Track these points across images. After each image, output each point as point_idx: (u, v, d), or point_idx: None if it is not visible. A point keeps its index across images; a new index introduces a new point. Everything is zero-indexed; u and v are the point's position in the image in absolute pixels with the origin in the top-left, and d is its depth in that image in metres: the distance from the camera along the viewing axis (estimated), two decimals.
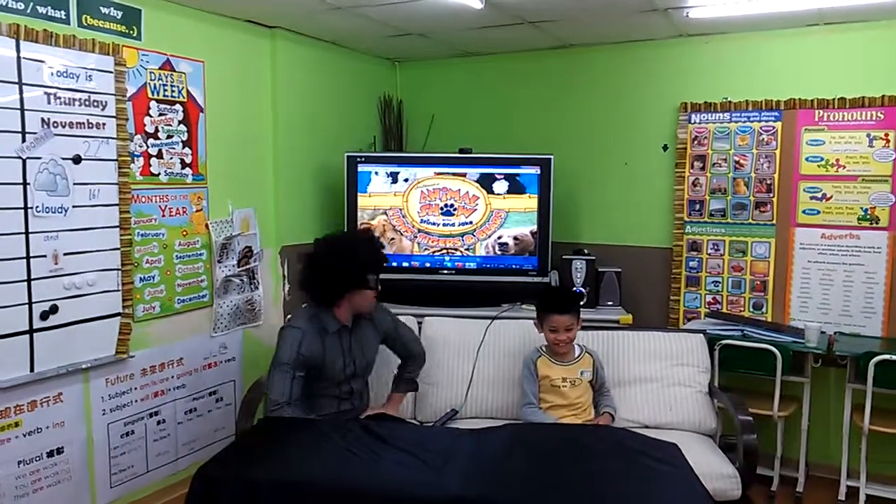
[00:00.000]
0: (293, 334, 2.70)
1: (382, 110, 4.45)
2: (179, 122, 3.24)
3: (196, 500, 1.91)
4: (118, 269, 2.98)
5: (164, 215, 3.20)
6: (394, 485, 1.88)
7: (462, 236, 3.88)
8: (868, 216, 3.48)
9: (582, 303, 3.36)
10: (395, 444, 2.03)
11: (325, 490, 1.86)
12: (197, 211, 3.36)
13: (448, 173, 3.87)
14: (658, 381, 3.10)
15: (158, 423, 3.27)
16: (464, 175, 3.86)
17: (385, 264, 2.86)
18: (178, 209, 3.27)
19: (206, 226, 3.40)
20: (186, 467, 3.41)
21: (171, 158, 3.22)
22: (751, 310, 3.75)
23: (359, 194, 3.87)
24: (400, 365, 3.07)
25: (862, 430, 3.19)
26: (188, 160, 3.30)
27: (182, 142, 3.26)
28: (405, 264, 3.87)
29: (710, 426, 3.03)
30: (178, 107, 3.23)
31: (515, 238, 3.85)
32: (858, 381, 3.21)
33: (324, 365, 2.73)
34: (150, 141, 3.11)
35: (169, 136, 3.20)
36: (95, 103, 2.86)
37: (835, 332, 3.48)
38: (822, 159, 3.56)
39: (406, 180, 3.88)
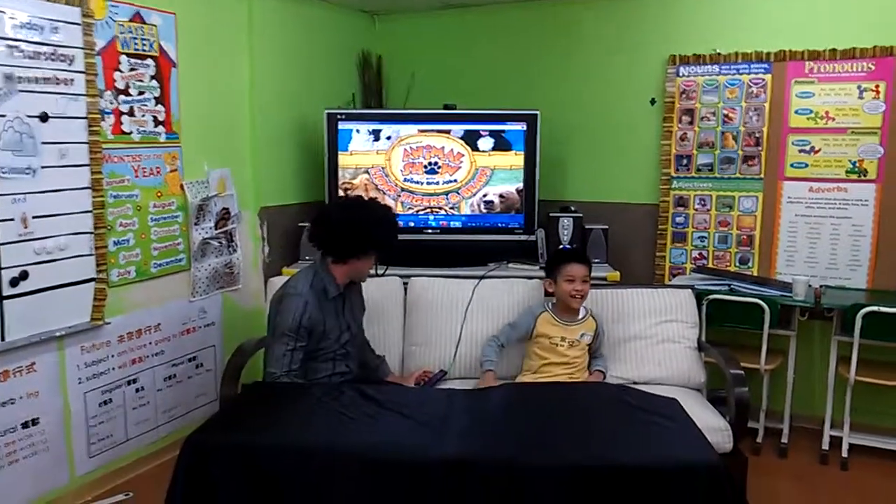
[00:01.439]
0: (296, 303, 2.59)
1: (361, 66, 4.31)
2: (151, 78, 3.09)
3: (186, 469, 1.83)
4: (91, 233, 2.85)
5: (137, 176, 3.06)
6: (391, 448, 1.82)
7: (447, 195, 3.79)
8: (856, 169, 3.45)
9: None
10: (391, 406, 1.97)
11: (322, 454, 1.80)
12: (171, 171, 3.23)
13: (432, 130, 3.76)
14: (647, 338, 3.07)
15: (137, 390, 3.18)
16: (448, 132, 3.76)
17: (395, 246, 2.78)
18: (151, 169, 3.13)
19: (182, 187, 3.27)
20: (167, 434, 3.34)
21: (144, 116, 3.07)
22: (737, 265, 3.73)
23: (340, 153, 3.75)
24: (371, 353, 3.01)
25: (847, 381, 3.21)
26: (161, 118, 3.15)
27: (154, 98, 3.11)
28: None
29: (699, 380, 3.02)
30: (149, 61, 3.07)
31: (501, 196, 3.78)
32: (845, 333, 3.23)
33: (325, 332, 2.66)
34: (121, 98, 2.96)
35: (141, 93, 3.05)
36: (62, 57, 2.70)
37: (821, 286, 3.47)
38: (811, 112, 3.52)
39: (388, 138, 3.77)
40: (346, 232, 2.64)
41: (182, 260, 3.32)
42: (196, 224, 3.34)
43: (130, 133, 3.02)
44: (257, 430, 1.94)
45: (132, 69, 2.99)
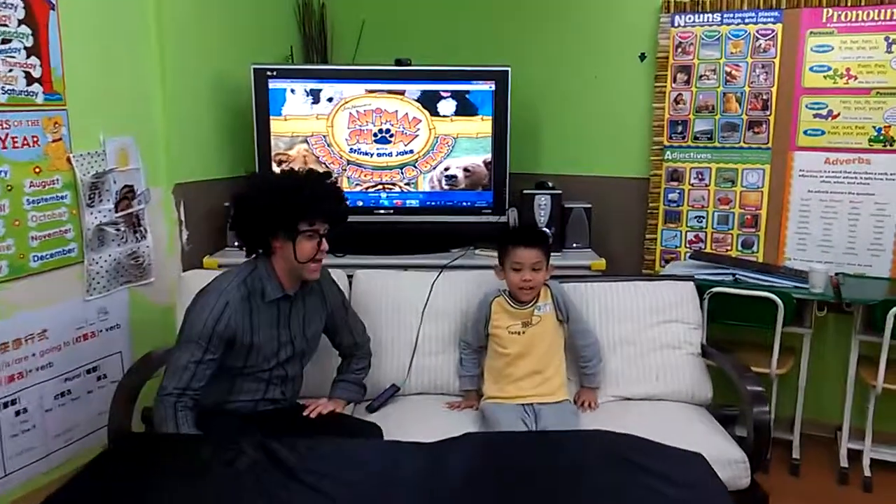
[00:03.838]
0: (210, 302, 2.05)
1: (301, 16, 3.66)
2: (20, 22, 2.42)
3: None
4: None
5: (4, 147, 2.42)
6: None
7: (401, 168, 3.19)
8: (882, 137, 2.94)
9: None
10: (306, 478, 1.40)
11: None
12: (54, 141, 2.58)
13: (382, 91, 3.14)
14: (641, 343, 2.57)
15: (18, 413, 2.57)
16: (402, 93, 3.14)
17: (334, 213, 2.16)
18: (25, 139, 2.48)
19: (69, 160, 2.63)
20: (62, 462, 2.73)
21: (11, 71, 2.41)
22: (739, 249, 3.22)
23: (271, 118, 3.12)
24: (343, 363, 2.45)
25: (870, 387, 2.75)
26: (36, 73, 2.49)
27: (26, 48, 2.45)
28: None
29: (705, 396, 2.52)
30: (16, 1, 2.40)
31: (466, 169, 3.19)
32: (868, 332, 2.75)
33: (252, 344, 2.10)
34: None
35: (5, 41, 2.38)
36: None
37: (837, 274, 2.99)
38: (829, 69, 2.99)
39: (330, 100, 3.14)
40: (243, 221, 2.12)
41: (73, 251, 2.69)
42: (90, 206, 2.70)
43: None
44: None
45: None
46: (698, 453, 1.62)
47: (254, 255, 2.20)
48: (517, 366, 2.40)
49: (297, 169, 2.47)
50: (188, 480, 1.45)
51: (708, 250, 3.25)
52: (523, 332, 2.42)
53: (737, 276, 2.91)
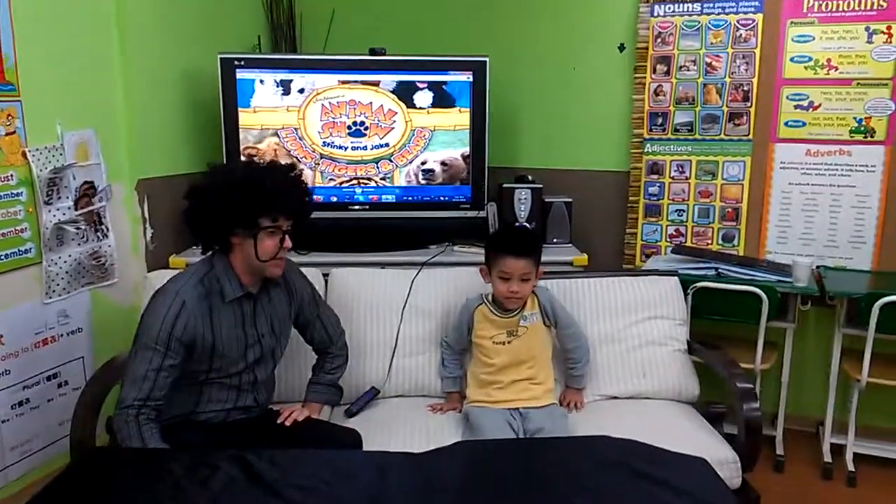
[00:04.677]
0: (166, 303, 1.92)
1: (269, 3, 3.52)
2: None
3: None
4: None
5: None
6: None
7: (376, 162, 3.09)
8: (862, 128, 2.92)
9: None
10: (288, 495, 1.29)
11: None
12: (7, 134, 2.42)
13: (356, 81, 3.03)
14: (625, 340, 2.51)
15: None
16: (376, 84, 3.03)
17: (296, 207, 2.03)
18: None
19: (24, 154, 2.47)
20: (20, 476, 2.57)
21: None
22: (720, 242, 3.18)
23: (240, 109, 2.99)
24: (318, 362, 2.33)
25: (854, 381, 2.72)
26: None
27: None
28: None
29: (693, 393, 2.47)
30: None
31: (443, 163, 3.09)
32: (852, 325, 2.73)
33: (214, 347, 1.97)
34: None
35: None
36: None
37: (818, 267, 2.97)
38: (810, 59, 2.96)
39: (301, 91, 3.02)
40: (199, 217, 1.98)
41: (29, 251, 2.53)
42: (48, 203, 2.55)
43: None
44: None
45: None
46: (702, 458, 1.56)
47: (210, 253, 2.07)
48: (503, 374, 2.31)
49: (258, 160, 2.35)
50: (158, 498, 1.33)
51: (689, 244, 3.20)
52: (508, 342, 2.32)
53: (719, 270, 2.86)
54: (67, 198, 2.62)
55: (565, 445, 1.68)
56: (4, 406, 2.51)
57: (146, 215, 2.95)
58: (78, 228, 2.66)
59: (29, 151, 2.48)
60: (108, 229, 2.80)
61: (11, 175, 2.44)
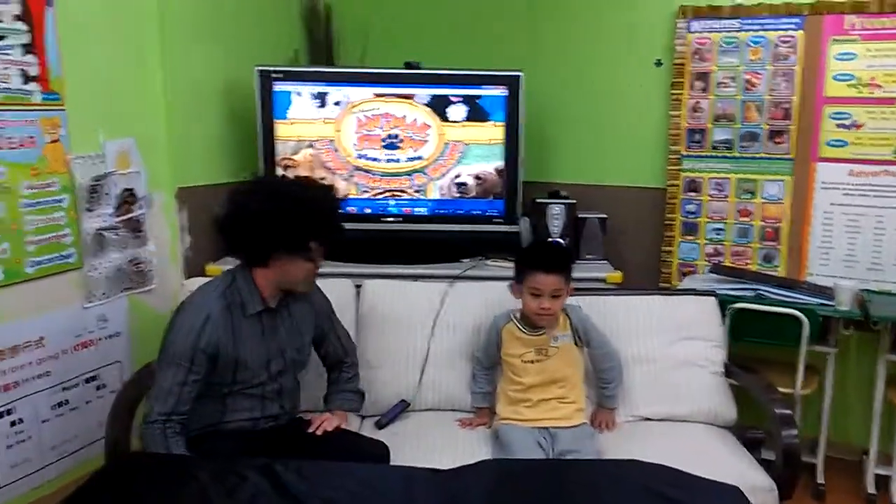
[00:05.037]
0: (191, 318, 1.96)
1: (307, 18, 3.57)
2: (15, 18, 2.33)
3: None
4: None
5: (0, 148, 2.32)
6: None
7: (410, 175, 3.10)
8: None
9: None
10: None
11: None
12: (52, 142, 2.48)
13: (391, 94, 3.05)
14: (660, 361, 2.46)
15: (13, 423, 2.46)
16: (411, 97, 3.05)
17: (339, 233, 2.07)
18: (21, 140, 2.39)
19: (67, 162, 2.53)
20: (57, 476, 2.62)
21: (6, 69, 2.32)
22: (760, 263, 3.12)
23: (276, 121, 3.03)
24: (333, 373, 2.34)
25: None
26: (33, 72, 2.40)
27: (22, 46, 2.36)
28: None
29: (729, 417, 2.41)
30: None
31: (477, 177, 3.09)
32: None
33: (237, 360, 2.00)
34: None
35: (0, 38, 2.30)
36: None
37: (861, 290, 2.88)
38: (853, 77, 2.89)
39: (337, 103, 3.05)
40: (244, 232, 1.98)
41: (71, 256, 2.59)
42: (89, 210, 2.61)
43: None
44: None
45: None
46: (735, 486, 1.52)
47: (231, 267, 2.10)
48: (532, 392, 2.27)
49: (306, 180, 2.36)
50: None
51: (728, 264, 3.14)
52: (538, 361, 2.28)
53: (759, 291, 2.81)
54: (108, 205, 2.68)
55: (592, 468, 1.65)
56: (45, 406, 2.57)
57: (185, 223, 3.00)
58: (118, 235, 2.72)
59: (72, 159, 2.54)
60: (147, 236, 2.85)
61: (55, 182, 2.50)
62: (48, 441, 2.59)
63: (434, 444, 2.22)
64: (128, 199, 2.75)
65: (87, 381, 2.72)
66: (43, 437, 2.57)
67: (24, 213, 2.41)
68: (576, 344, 2.33)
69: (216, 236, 3.12)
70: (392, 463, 1.99)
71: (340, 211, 2.09)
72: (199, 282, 2.57)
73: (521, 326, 2.32)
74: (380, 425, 2.37)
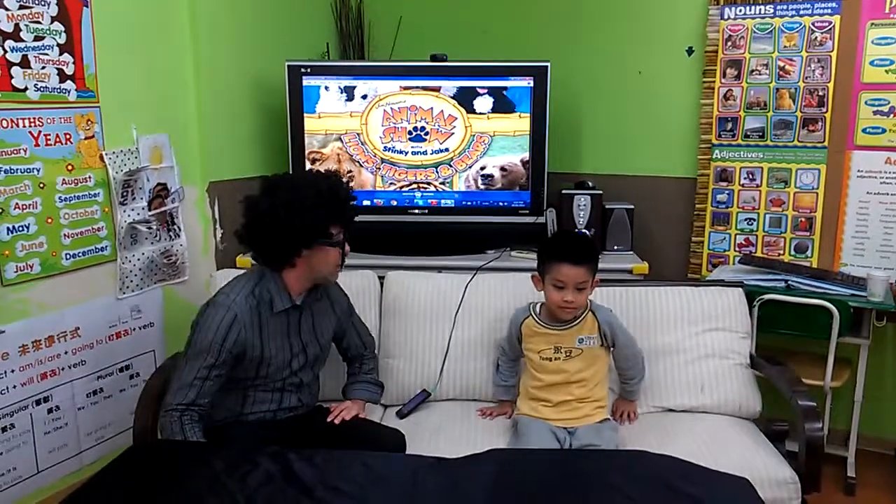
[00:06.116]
0: (218, 316, 1.99)
1: (338, 11, 3.61)
2: (53, 19, 2.41)
3: None
4: None
5: (37, 144, 2.41)
6: None
7: (436, 167, 3.11)
8: None
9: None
10: (322, 495, 1.32)
11: None
12: (87, 138, 2.57)
13: (417, 87, 3.07)
14: (685, 352, 2.43)
15: (50, 410, 2.56)
16: (437, 89, 3.06)
17: (353, 214, 2.11)
18: (58, 136, 2.47)
19: (101, 157, 2.62)
20: (94, 461, 2.73)
21: (44, 68, 2.40)
22: (792, 253, 3.05)
23: (305, 115, 3.07)
24: (353, 365, 2.38)
25: None
26: (69, 70, 2.48)
27: (58, 45, 2.44)
28: (366, 202, 3.10)
29: (754, 409, 2.37)
30: None
31: (503, 168, 3.09)
32: None
33: (262, 357, 2.05)
34: (10, 43, 2.29)
35: (38, 38, 2.37)
36: None
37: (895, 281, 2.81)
38: (891, 62, 2.80)
39: (364, 97, 3.08)
40: (266, 235, 2.01)
41: (105, 249, 2.68)
42: (123, 204, 2.69)
43: (25, 89, 2.35)
44: None
45: (23, 6, 2.32)
46: (744, 478, 1.50)
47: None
48: (551, 392, 2.23)
49: (309, 171, 2.40)
50: (196, 498, 1.38)
51: (759, 255, 3.08)
52: (558, 359, 2.23)
53: (790, 282, 2.75)
54: (141, 199, 2.76)
55: (600, 459, 1.64)
56: (80, 394, 2.67)
57: (216, 216, 3.07)
58: (150, 228, 2.80)
59: (106, 154, 2.62)
60: (179, 229, 2.93)
61: (90, 177, 2.59)
62: (84, 428, 2.69)
63: (453, 434, 2.23)
64: (160, 193, 2.82)
65: (121, 370, 2.82)
66: (79, 424, 2.67)
67: (60, 208, 2.49)
68: (602, 345, 2.27)
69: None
70: (409, 452, 2.01)
71: (351, 193, 2.11)
72: (229, 273, 2.63)
73: (540, 321, 2.28)
74: (401, 415, 2.40)
